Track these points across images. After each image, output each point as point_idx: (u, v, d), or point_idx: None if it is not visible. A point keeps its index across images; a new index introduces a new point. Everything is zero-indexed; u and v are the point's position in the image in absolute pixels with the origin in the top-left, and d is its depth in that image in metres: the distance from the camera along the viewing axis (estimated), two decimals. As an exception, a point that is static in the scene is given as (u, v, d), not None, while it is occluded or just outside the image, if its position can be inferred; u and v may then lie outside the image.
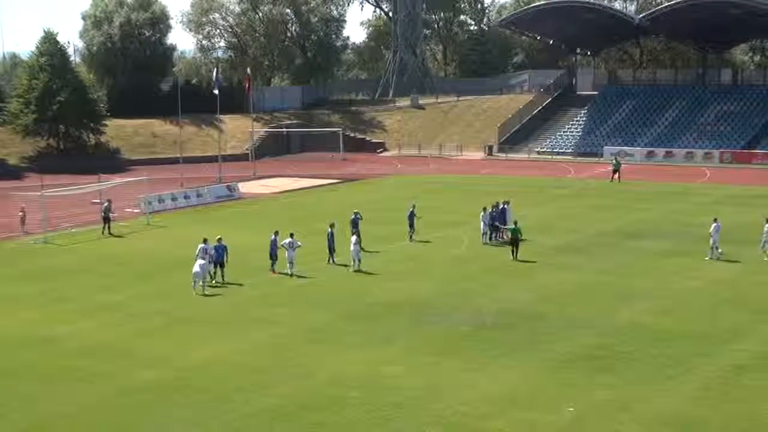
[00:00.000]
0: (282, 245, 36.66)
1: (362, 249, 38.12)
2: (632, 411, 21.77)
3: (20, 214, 48.48)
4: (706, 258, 38.21)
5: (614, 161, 68.94)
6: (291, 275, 36.24)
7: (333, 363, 25.57)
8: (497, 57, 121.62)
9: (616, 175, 66.25)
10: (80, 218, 51.04)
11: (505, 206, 44.23)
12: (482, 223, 42.83)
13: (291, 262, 36.37)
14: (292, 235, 36.90)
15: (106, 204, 47.19)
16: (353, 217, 41.49)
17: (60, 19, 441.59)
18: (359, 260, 37.29)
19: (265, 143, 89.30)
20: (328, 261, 38.25)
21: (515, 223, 40.19)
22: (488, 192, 55.21)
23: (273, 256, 36.97)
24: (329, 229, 38.57)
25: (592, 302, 31.98)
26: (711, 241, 38.36)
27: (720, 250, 38.31)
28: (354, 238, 37.80)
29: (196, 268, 33.84)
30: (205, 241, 35.27)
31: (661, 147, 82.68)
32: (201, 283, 33.77)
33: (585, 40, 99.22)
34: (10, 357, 26.61)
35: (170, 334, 28.86)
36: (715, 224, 38.38)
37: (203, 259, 34.23)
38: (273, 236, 37.32)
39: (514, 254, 38.89)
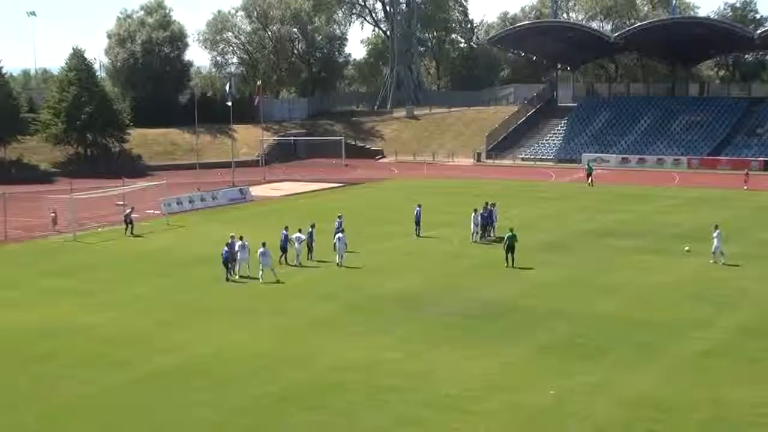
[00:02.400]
0: (291, 239, 37.37)
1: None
2: (607, 393, 21.87)
3: (52, 215, 48.56)
4: (711, 261, 36.76)
5: (587, 166, 68.95)
6: (298, 265, 36.98)
7: (335, 350, 25.62)
8: (485, 72, 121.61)
9: (590, 179, 66.28)
10: (106, 218, 51.02)
11: (492, 208, 44.33)
12: (473, 224, 42.86)
13: (298, 254, 37.40)
14: (300, 231, 37.74)
15: (128, 210, 47.28)
16: (339, 220, 41.23)
17: (87, 38, 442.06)
18: (342, 256, 37.32)
19: (273, 150, 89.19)
20: (307, 257, 38.15)
21: (511, 230, 37.02)
22: (478, 195, 55.14)
23: (283, 250, 37.50)
24: (309, 229, 38.71)
25: (571, 295, 32.04)
26: (713, 246, 36.81)
27: (687, 247, 38.24)
28: (339, 235, 37.80)
29: (264, 259, 34.40)
30: (264, 244, 34.87)
31: (634, 154, 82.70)
32: (270, 270, 34.45)
33: (565, 56, 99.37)
34: (40, 345, 26.59)
35: (188, 323, 28.90)
36: (716, 231, 36.94)
37: (264, 255, 34.45)
38: (284, 231, 37.83)
39: (509, 261, 36.39)
